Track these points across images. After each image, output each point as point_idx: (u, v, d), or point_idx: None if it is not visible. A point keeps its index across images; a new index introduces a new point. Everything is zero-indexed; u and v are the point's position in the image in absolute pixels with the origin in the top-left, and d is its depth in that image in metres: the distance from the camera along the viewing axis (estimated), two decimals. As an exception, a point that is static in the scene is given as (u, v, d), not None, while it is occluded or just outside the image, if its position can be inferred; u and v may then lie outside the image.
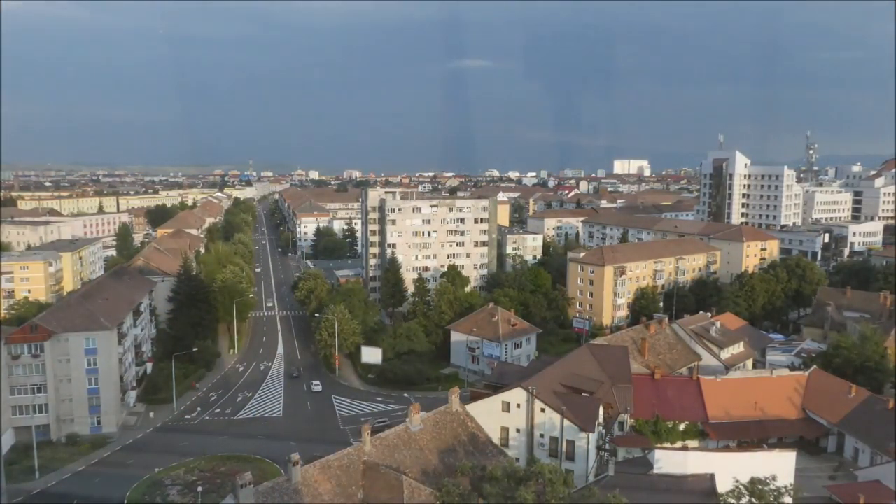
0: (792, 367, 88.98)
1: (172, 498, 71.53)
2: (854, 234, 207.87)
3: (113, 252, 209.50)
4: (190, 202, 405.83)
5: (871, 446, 68.65)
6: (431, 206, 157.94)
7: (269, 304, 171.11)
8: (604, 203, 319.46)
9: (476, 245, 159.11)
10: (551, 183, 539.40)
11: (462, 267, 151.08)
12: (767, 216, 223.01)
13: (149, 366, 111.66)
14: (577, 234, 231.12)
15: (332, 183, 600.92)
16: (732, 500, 46.91)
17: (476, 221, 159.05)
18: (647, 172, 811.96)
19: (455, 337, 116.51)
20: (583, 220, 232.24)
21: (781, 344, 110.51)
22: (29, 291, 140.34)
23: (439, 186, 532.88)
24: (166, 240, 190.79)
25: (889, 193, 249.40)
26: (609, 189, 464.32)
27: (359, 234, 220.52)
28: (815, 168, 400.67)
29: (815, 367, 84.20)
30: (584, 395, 67.96)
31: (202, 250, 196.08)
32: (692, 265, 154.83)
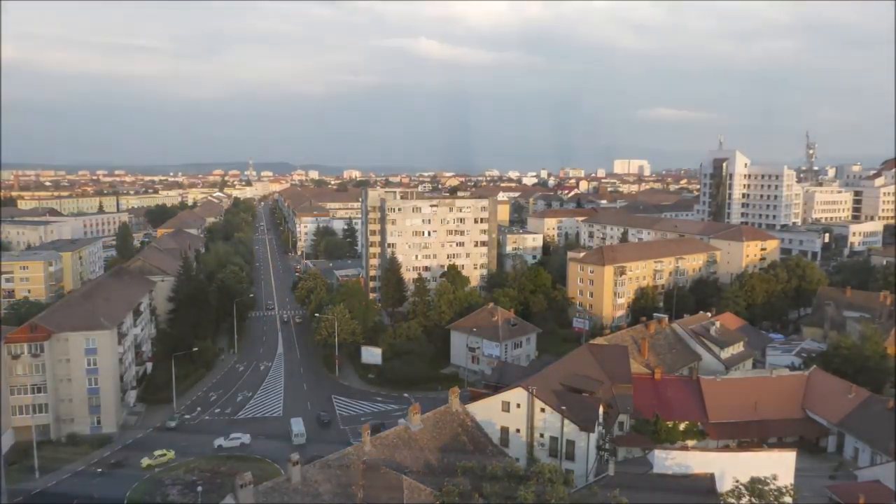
0: (792, 367, 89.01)
1: (172, 498, 71.53)
2: (854, 233, 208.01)
3: (113, 252, 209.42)
4: (190, 202, 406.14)
5: (871, 446, 68.67)
6: (431, 206, 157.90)
7: (269, 304, 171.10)
8: (604, 203, 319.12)
9: (476, 245, 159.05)
10: (551, 183, 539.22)
11: (462, 267, 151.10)
12: (767, 216, 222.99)
13: (149, 366, 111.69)
14: (578, 233, 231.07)
15: (332, 183, 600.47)
16: (732, 500, 46.94)
17: (476, 221, 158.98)
18: (647, 172, 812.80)
19: (455, 337, 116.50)
20: (583, 219, 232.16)
21: (781, 344, 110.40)
22: (29, 291, 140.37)
23: (439, 186, 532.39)
24: (166, 240, 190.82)
25: (889, 193, 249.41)
26: (609, 189, 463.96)
27: (359, 234, 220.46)
28: (815, 168, 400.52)
29: (815, 366, 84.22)
30: (584, 395, 67.95)
31: (202, 250, 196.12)
32: (692, 265, 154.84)
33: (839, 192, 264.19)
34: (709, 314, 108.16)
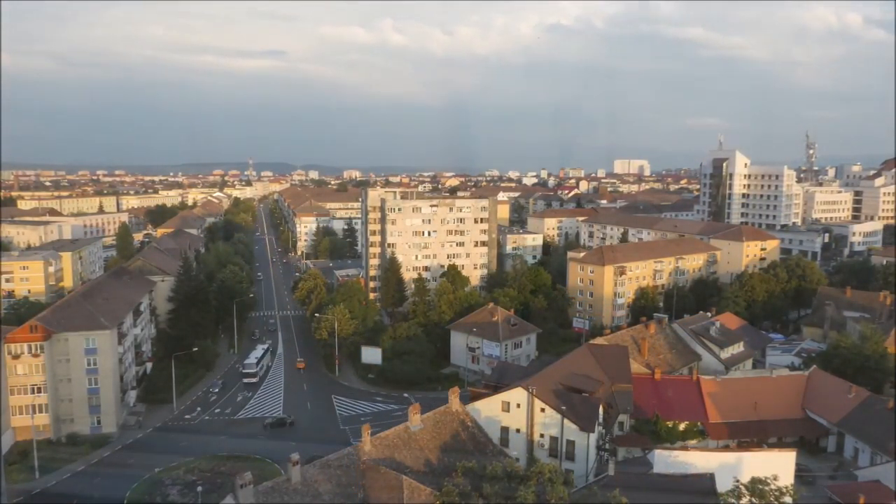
0: (792, 367, 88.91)
1: (172, 498, 71.55)
2: (854, 233, 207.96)
3: (113, 252, 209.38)
4: (190, 202, 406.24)
5: (870, 446, 68.60)
6: (431, 206, 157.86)
7: (269, 308, 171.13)
8: (604, 203, 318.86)
9: (476, 245, 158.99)
10: (551, 183, 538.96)
11: (462, 267, 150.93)
12: (767, 216, 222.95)
13: (149, 366, 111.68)
14: (578, 233, 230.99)
15: (332, 183, 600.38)
16: (732, 500, 46.88)
17: (476, 221, 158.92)
18: (647, 172, 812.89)
19: (455, 337, 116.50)
20: (583, 219, 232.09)
21: (781, 344, 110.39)
22: (29, 291, 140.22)
23: (439, 186, 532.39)
24: (166, 240, 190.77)
25: (889, 193, 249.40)
26: (609, 189, 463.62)
27: (359, 234, 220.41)
28: (815, 168, 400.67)
29: (814, 366, 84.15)
30: (584, 395, 67.92)
31: (202, 250, 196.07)
32: (692, 265, 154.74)
33: (839, 192, 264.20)
34: (709, 314, 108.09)
